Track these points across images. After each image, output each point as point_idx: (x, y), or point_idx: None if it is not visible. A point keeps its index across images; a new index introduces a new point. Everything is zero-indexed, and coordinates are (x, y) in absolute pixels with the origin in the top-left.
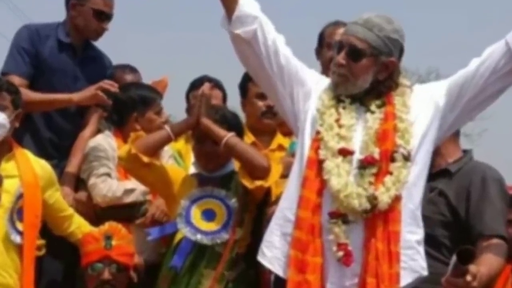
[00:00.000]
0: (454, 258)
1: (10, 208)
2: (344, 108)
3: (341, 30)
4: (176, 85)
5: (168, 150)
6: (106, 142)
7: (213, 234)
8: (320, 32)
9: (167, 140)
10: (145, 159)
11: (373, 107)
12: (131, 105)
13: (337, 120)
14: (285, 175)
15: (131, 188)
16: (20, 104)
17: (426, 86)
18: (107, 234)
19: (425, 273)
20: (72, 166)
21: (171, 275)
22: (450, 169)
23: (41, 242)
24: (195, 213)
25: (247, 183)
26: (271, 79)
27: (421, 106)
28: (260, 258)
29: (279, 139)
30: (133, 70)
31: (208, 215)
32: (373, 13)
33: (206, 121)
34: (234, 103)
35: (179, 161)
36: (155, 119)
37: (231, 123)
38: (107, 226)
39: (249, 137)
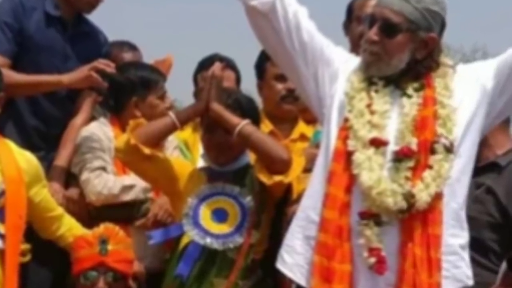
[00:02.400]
0: (504, 266)
1: None
2: (376, 91)
3: (373, 2)
4: (182, 65)
5: (172, 141)
6: (101, 131)
7: (225, 237)
8: (348, 3)
9: (171, 129)
10: (146, 150)
11: (410, 90)
12: (130, 88)
13: (369, 106)
14: (308, 169)
15: (130, 184)
16: (2, 87)
17: (472, 66)
18: (102, 237)
19: (470, 282)
20: (61, 158)
21: (176, 285)
22: (500, 162)
23: (26, 246)
24: (204, 213)
25: (265, 178)
26: (292, 58)
27: (465, 90)
28: (279, 265)
29: (301, 127)
30: (132, 47)
31: (219, 215)
32: None
33: (217, 107)
34: (249, 85)
35: (185, 153)
36: (157, 104)
37: (245, 109)
38: (102, 228)
39: (266, 125)
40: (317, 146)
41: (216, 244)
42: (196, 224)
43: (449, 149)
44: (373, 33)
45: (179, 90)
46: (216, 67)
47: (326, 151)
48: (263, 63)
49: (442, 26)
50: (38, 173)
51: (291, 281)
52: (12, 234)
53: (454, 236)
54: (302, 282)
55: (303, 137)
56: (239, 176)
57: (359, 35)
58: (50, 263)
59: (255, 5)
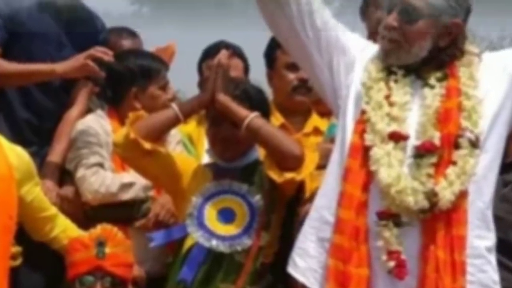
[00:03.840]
0: None
1: None
2: (396, 81)
3: None
4: (185, 53)
5: (175, 135)
6: (98, 124)
7: (232, 239)
8: None
9: (174, 122)
10: (147, 145)
11: (432, 80)
12: (129, 78)
13: (388, 97)
14: (322, 166)
15: (129, 182)
16: None
17: (499, 54)
18: (100, 239)
19: (497, 287)
20: (55, 154)
21: None
22: None
23: (17, 249)
24: (210, 213)
25: (275, 175)
26: (305, 46)
27: (492, 80)
28: (291, 270)
29: (315, 120)
30: (131, 34)
31: (226, 215)
32: None
33: (224, 98)
34: (258, 75)
35: (189, 148)
36: (159, 95)
37: (254, 100)
38: (100, 229)
39: (277, 118)
40: (331, 140)
41: (222, 247)
42: (201, 225)
43: (474, 144)
44: (392, 19)
45: (182, 80)
46: (223, 55)
47: (341, 146)
48: (273, 51)
49: (467, 11)
50: (30, 170)
51: (303, 286)
52: (2, 236)
53: (480, 238)
54: (315, 287)
55: (316, 131)
56: (247, 173)
57: (377, 21)
58: (43, 267)
59: None
